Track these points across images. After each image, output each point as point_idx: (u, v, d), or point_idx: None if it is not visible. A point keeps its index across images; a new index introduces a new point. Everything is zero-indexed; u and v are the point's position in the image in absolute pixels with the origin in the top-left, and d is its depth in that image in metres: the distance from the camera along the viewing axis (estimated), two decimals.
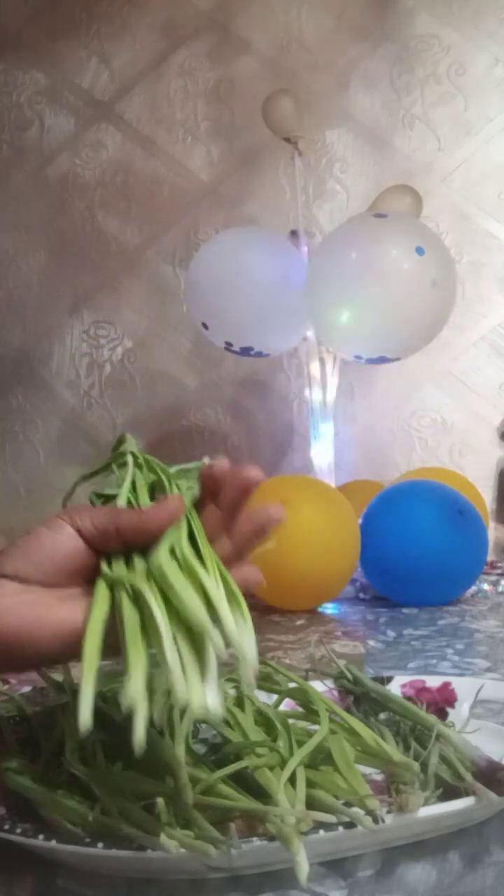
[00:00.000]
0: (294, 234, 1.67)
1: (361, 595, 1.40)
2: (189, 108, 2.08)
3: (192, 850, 0.36)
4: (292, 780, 0.40)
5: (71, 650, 0.38)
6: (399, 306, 1.43)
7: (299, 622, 1.19)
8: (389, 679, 0.61)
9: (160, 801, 0.38)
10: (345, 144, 2.00)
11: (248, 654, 0.37)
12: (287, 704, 0.53)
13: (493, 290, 1.93)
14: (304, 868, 0.35)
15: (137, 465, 0.48)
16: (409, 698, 0.55)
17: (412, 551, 1.27)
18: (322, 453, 1.71)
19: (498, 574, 1.53)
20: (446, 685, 0.60)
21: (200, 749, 0.49)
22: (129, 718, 0.46)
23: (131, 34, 2.11)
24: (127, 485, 0.46)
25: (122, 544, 0.41)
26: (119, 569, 0.40)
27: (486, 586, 1.41)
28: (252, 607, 0.40)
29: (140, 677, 0.35)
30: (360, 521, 1.35)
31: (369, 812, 0.39)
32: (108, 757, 0.44)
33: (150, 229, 2.09)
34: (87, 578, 0.41)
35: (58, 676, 0.53)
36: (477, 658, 0.90)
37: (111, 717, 0.47)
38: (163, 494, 0.45)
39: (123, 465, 0.48)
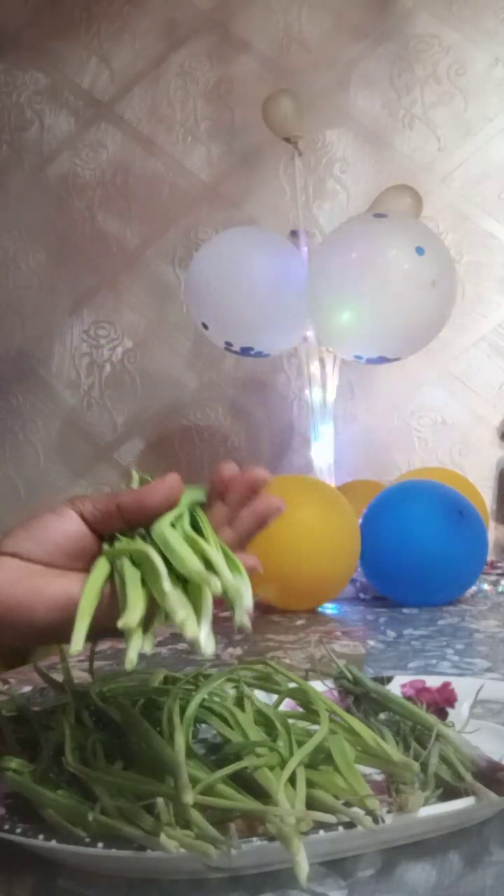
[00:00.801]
0: (294, 234, 1.67)
1: (361, 595, 1.40)
2: (189, 108, 2.08)
3: (192, 850, 0.36)
4: (292, 780, 0.40)
5: (63, 624, 0.39)
6: (399, 306, 1.43)
7: (299, 622, 1.19)
8: (389, 679, 0.61)
9: (160, 801, 0.38)
10: (345, 144, 2.01)
11: (243, 597, 0.39)
12: (287, 704, 0.53)
13: (493, 290, 1.93)
14: (304, 868, 0.35)
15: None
16: (409, 698, 0.55)
17: (412, 551, 1.27)
18: (322, 453, 1.71)
19: (498, 574, 1.53)
20: (446, 685, 0.60)
21: (200, 749, 0.49)
22: (128, 719, 0.46)
23: (131, 34, 2.11)
24: None
25: (124, 523, 0.43)
26: (121, 545, 0.42)
27: (486, 586, 1.41)
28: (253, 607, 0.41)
29: (137, 611, 0.37)
30: (360, 521, 1.34)
31: (369, 812, 0.39)
32: (108, 757, 0.44)
33: (150, 229, 2.09)
34: (88, 563, 0.42)
35: (58, 676, 0.53)
36: (477, 658, 0.90)
37: (111, 717, 0.47)
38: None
39: None
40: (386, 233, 1.46)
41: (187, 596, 0.39)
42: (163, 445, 2.07)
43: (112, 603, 0.39)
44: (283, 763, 0.42)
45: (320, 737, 0.44)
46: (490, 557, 1.54)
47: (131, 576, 0.40)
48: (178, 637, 0.95)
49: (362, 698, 0.55)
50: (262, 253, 1.55)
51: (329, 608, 1.32)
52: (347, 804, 0.40)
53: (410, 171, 1.94)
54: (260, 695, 0.53)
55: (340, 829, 0.38)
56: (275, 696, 0.54)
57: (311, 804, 0.39)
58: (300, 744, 0.44)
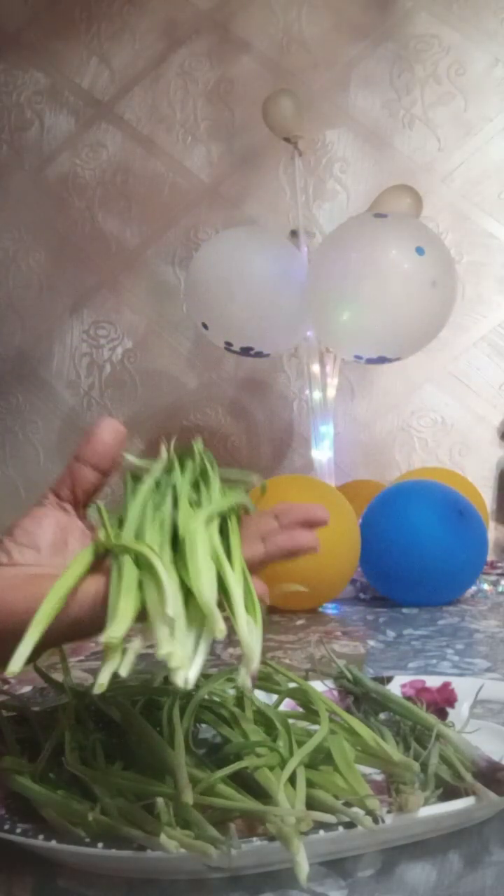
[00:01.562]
0: (294, 234, 1.67)
1: (361, 595, 1.40)
2: (189, 108, 2.08)
3: (192, 850, 0.36)
4: (292, 780, 0.40)
5: (65, 627, 0.38)
6: (399, 306, 1.43)
7: (299, 622, 1.19)
8: (389, 679, 0.61)
9: (160, 801, 0.38)
10: (345, 144, 2.01)
11: (253, 658, 0.35)
12: (287, 704, 0.53)
13: (493, 290, 1.93)
14: (304, 868, 0.35)
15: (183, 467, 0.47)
16: (409, 698, 0.54)
17: (412, 551, 1.27)
18: (322, 453, 1.71)
19: (498, 574, 1.53)
20: (446, 685, 0.60)
21: (200, 749, 0.49)
22: (128, 719, 0.46)
23: (131, 34, 2.11)
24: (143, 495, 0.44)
25: (93, 472, 0.44)
26: (123, 537, 0.40)
27: (486, 586, 1.41)
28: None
29: (123, 625, 0.34)
30: (360, 521, 1.34)
31: (369, 812, 0.39)
32: (108, 757, 0.44)
33: (150, 229, 2.09)
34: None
35: (58, 676, 0.53)
36: (477, 658, 0.90)
37: (111, 717, 0.47)
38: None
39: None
40: (386, 233, 1.46)
41: (188, 614, 0.35)
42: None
43: (103, 602, 0.37)
44: (283, 763, 0.42)
45: (320, 737, 0.44)
46: (490, 557, 1.54)
47: (127, 578, 0.36)
48: None
49: (362, 698, 0.55)
50: (262, 253, 1.55)
51: (329, 608, 1.33)
52: (347, 804, 0.40)
53: (410, 171, 1.94)
54: (260, 695, 0.53)
55: (340, 829, 0.38)
56: (275, 696, 0.54)
57: (311, 804, 0.39)
58: (300, 744, 0.44)
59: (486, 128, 1.95)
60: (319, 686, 0.56)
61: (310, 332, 1.62)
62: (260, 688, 0.54)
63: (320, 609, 1.31)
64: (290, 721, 0.48)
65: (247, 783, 0.41)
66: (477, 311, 1.93)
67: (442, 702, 0.58)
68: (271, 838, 0.37)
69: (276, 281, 1.52)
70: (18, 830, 0.39)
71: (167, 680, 0.53)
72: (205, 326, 1.59)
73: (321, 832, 0.38)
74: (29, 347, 2.15)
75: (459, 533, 1.30)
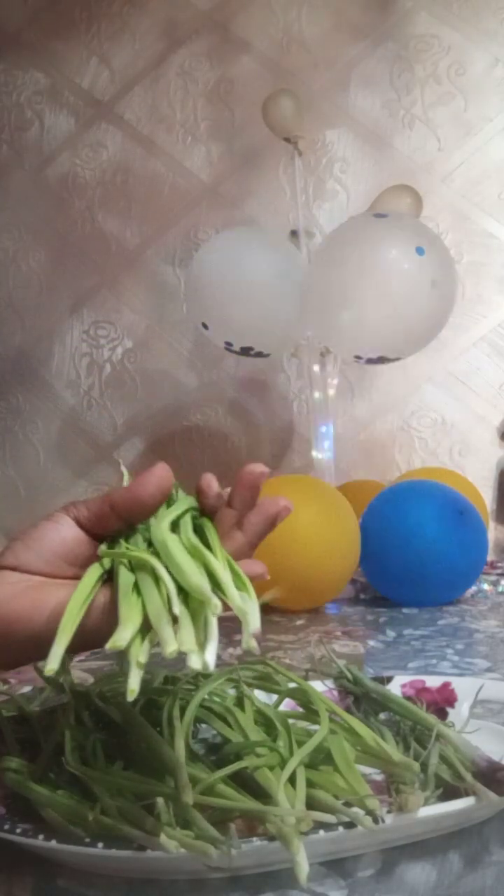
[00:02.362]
0: (294, 234, 1.67)
1: (361, 595, 1.40)
2: (189, 108, 2.08)
3: (192, 850, 0.36)
4: (292, 780, 0.40)
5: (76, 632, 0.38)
6: (399, 306, 1.43)
7: (299, 622, 1.19)
8: (389, 679, 0.61)
9: (160, 801, 0.38)
10: (345, 144, 2.01)
11: (251, 620, 0.36)
12: (287, 704, 0.53)
13: (493, 290, 1.93)
14: (304, 868, 0.35)
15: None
16: (409, 698, 0.54)
17: (412, 551, 1.27)
18: (322, 453, 1.71)
19: (498, 574, 1.53)
20: (446, 685, 0.60)
21: (200, 749, 0.49)
22: (128, 719, 0.46)
23: (131, 34, 2.11)
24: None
25: (119, 521, 0.42)
26: (118, 547, 0.41)
27: (486, 586, 1.41)
28: None
29: (129, 630, 0.35)
30: (360, 521, 1.34)
31: (369, 812, 0.39)
32: (108, 757, 0.44)
33: (150, 229, 2.09)
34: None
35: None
36: (477, 658, 0.90)
37: (111, 717, 0.47)
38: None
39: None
40: (386, 233, 1.46)
41: (187, 607, 0.36)
42: (163, 445, 2.07)
43: (112, 610, 0.38)
44: (283, 763, 0.42)
45: (320, 737, 0.44)
46: (490, 557, 1.54)
47: (125, 584, 0.37)
48: None
49: (362, 698, 0.55)
50: (261, 253, 1.55)
51: (329, 608, 1.32)
52: (347, 804, 0.40)
53: (410, 171, 1.94)
54: (260, 695, 0.53)
55: (340, 829, 0.38)
56: (275, 696, 0.54)
57: (311, 804, 0.39)
58: (300, 744, 0.44)
59: (486, 128, 1.95)
60: (319, 686, 0.56)
61: (310, 333, 1.62)
62: (260, 688, 0.54)
63: (320, 609, 1.31)
64: (290, 721, 0.48)
65: (247, 783, 0.41)
66: (477, 311, 1.93)
67: (442, 702, 0.58)
68: (271, 838, 0.37)
69: (276, 281, 1.52)
70: (18, 830, 0.39)
71: (167, 680, 0.53)
72: (205, 326, 1.59)
73: (321, 832, 0.38)
74: (29, 347, 2.15)
75: (459, 533, 1.30)
